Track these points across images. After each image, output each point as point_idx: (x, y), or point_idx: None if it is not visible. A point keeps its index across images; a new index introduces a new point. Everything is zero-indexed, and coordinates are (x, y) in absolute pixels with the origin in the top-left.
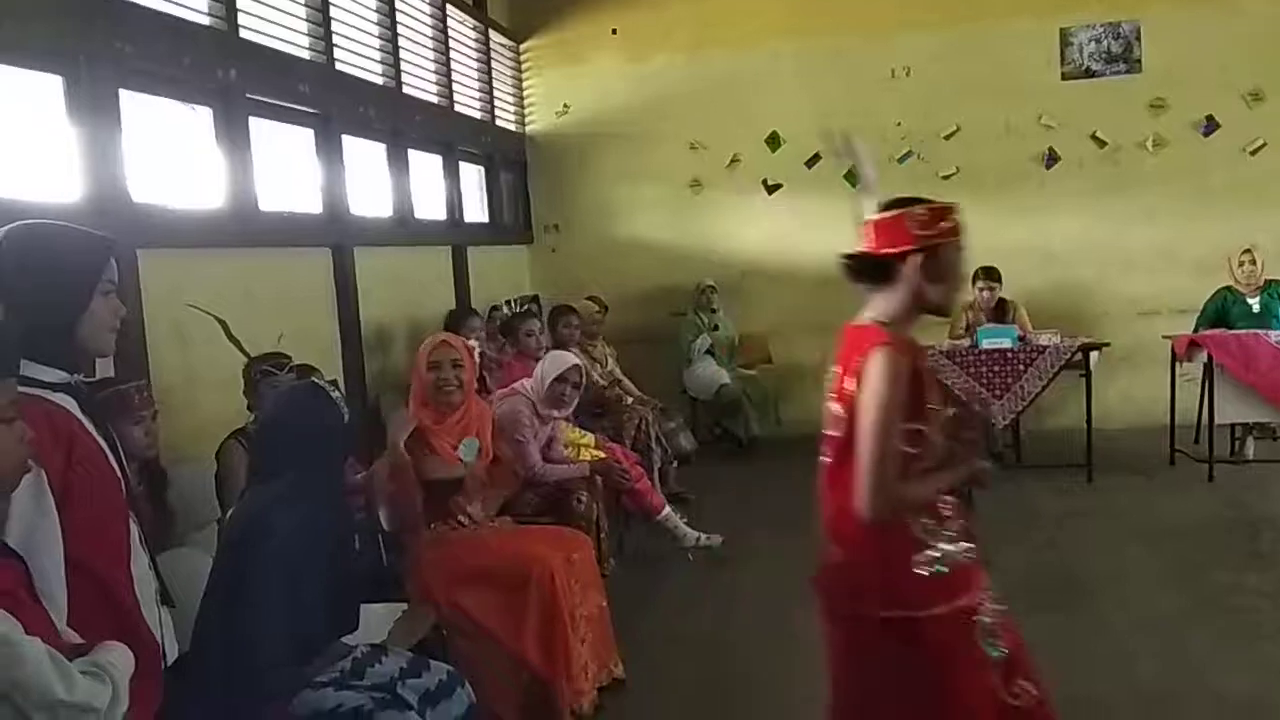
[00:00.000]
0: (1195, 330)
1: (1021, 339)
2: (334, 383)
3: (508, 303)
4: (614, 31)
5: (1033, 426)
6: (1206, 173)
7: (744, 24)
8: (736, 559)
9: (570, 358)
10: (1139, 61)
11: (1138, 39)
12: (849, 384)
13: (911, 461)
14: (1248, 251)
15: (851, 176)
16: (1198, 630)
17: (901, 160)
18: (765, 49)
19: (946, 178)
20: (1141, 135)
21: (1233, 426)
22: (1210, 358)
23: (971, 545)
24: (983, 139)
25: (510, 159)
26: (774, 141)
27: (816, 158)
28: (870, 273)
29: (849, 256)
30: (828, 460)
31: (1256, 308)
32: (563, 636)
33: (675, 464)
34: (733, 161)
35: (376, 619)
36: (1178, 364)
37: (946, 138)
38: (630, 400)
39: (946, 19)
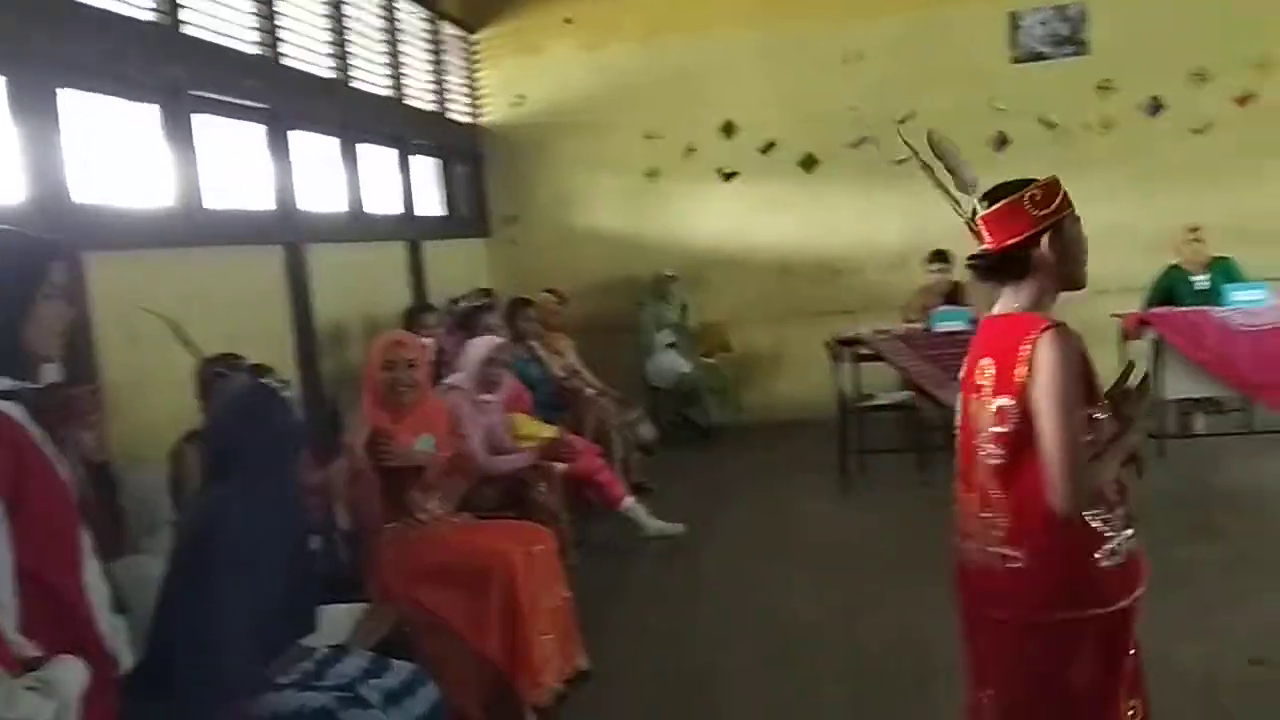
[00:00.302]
0: (1144, 308)
1: (974, 321)
2: (285, 382)
3: (466, 296)
4: (567, 21)
5: None
6: (1153, 153)
7: (698, 11)
8: (700, 547)
9: (495, 338)
10: (1086, 43)
11: (1085, 21)
12: (1020, 372)
13: (1089, 447)
14: (1194, 230)
15: (808, 162)
16: (1154, 604)
17: (856, 146)
18: (719, 36)
19: (900, 162)
20: (1090, 117)
21: (1181, 402)
22: (1159, 335)
23: (1134, 531)
24: (936, 123)
25: (465, 151)
26: (729, 130)
27: (771, 145)
28: (1002, 269)
29: (977, 257)
30: (996, 460)
31: (1203, 285)
32: (524, 631)
33: (638, 454)
34: (689, 150)
35: (337, 619)
36: (1127, 341)
37: (900, 122)
38: (590, 392)
39: (899, 4)
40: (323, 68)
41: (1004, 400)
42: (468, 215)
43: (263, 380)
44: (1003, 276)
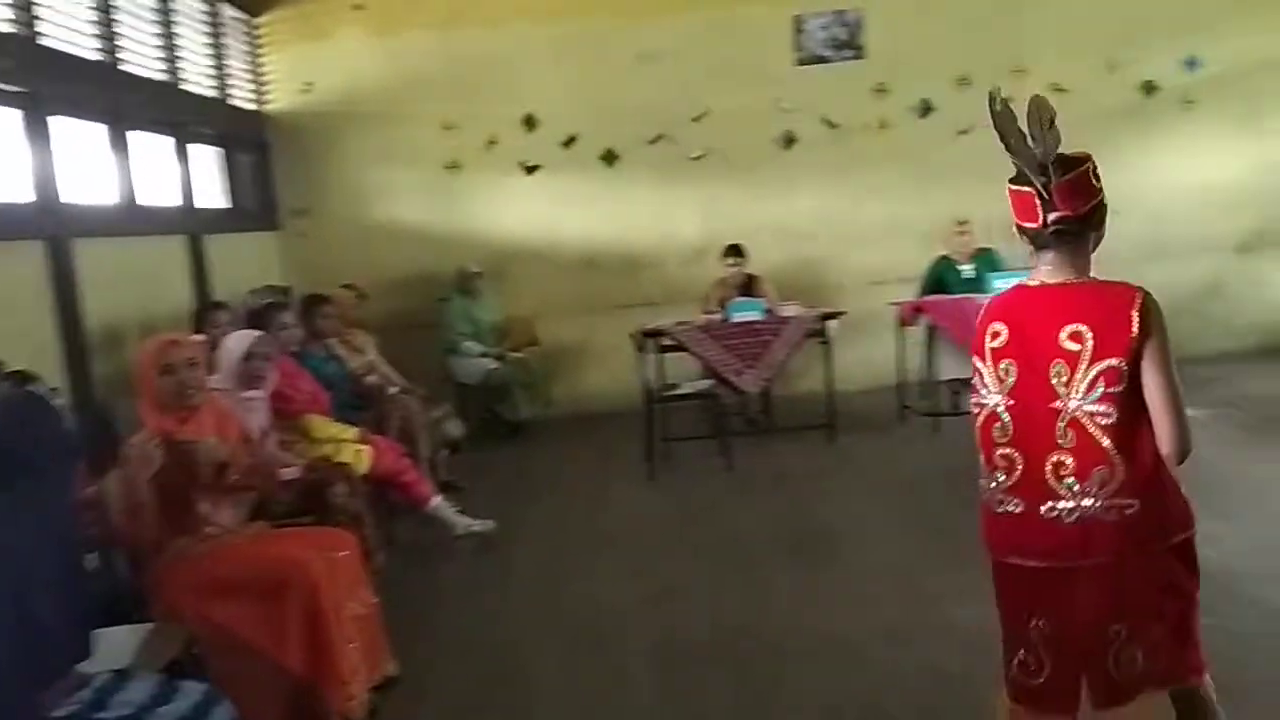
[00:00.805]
0: (918, 297)
1: (768, 311)
2: (53, 389)
3: (257, 292)
4: (357, 7)
5: (782, 392)
6: (925, 152)
7: (494, 2)
8: (510, 543)
9: (251, 332)
10: (863, 48)
11: (861, 27)
12: (1134, 332)
13: None
14: (962, 223)
15: (608, 157)
16: (930, 569)
17: (653, 143)
18: (518, 28)
19: (696, 159)
20: (867, 118)
21: (952, 381)
22: (932, 321)
23: None
24: (727, 122)
25: (249, 140)
26: (530, 123)
27: (572, 139)
28: (1078, 234)
29: (1060, 221)
30: (1109, 419)
31: (970, 274)
32: (329, 641)
33: (445, 452)
34: (490, 143)
35: (119, 642)
36: (904, 328)
37: (695, 120)
38: (394, 389)
39: (691, 4)
40: (87, 49)
41: (1113, 361)
42: (254, 207)
43: (27, 388)
44: (1074, 241)
